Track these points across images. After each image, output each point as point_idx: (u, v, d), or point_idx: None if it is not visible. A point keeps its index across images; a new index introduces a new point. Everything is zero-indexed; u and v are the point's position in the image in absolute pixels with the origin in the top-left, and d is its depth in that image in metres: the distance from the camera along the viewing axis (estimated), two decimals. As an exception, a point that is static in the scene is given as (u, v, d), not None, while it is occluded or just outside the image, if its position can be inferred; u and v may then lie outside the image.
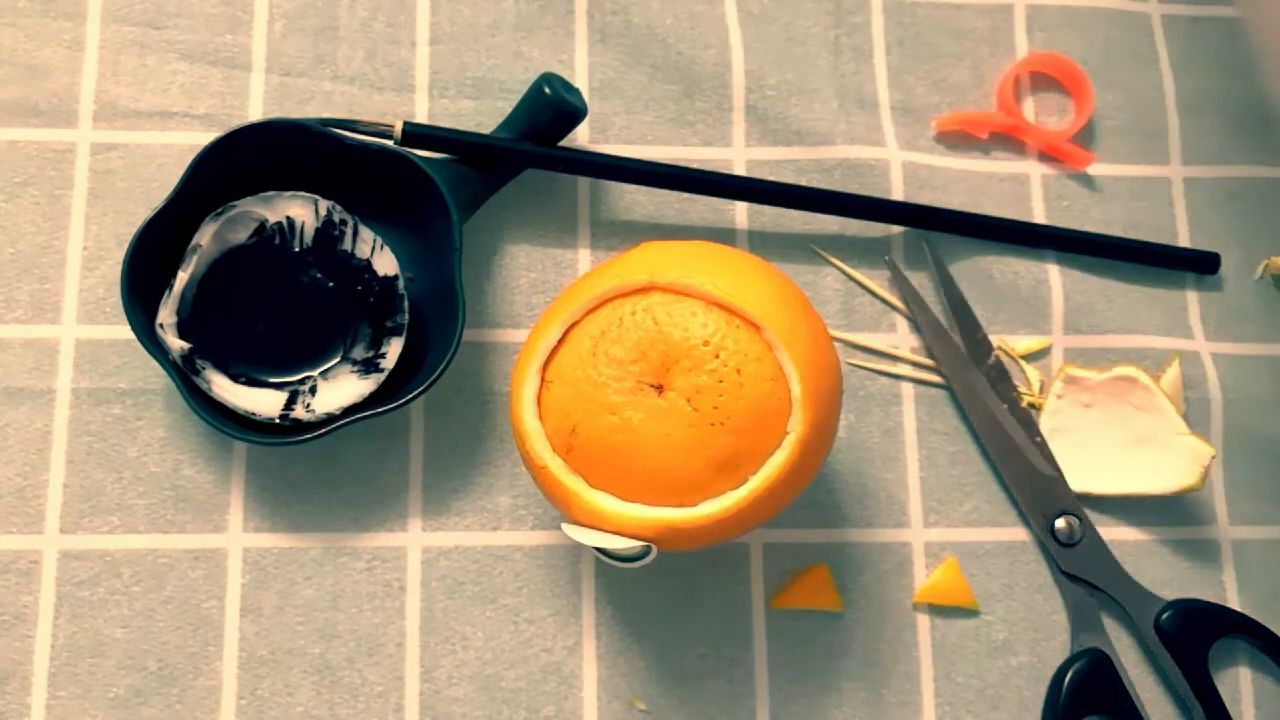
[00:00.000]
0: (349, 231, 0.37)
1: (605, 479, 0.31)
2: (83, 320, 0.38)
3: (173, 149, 0.40)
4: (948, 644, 0.39)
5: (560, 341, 0.31)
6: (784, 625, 0.38)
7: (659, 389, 0.30)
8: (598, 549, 0.31)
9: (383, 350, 0.36)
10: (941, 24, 0.44)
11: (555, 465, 0.31)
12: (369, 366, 0.36)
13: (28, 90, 0.40)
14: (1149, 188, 0.44)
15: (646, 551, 0.30)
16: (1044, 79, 0.45)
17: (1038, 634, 0.39)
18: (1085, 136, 0.44)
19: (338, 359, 0.37)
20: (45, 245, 0.39)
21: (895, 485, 0.40)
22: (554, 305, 0.33)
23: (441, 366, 0.35)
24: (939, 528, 0.39)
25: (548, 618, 0.37)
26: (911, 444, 0.40)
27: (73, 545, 0.37)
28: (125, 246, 0.36)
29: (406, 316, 0.36)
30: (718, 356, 0.30)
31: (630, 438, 0.30)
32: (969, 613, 0.39)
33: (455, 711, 0.37)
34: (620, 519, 0.30)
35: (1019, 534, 0.40)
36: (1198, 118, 0.44)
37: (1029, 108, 0.44)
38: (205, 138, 0.39)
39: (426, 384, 0.35)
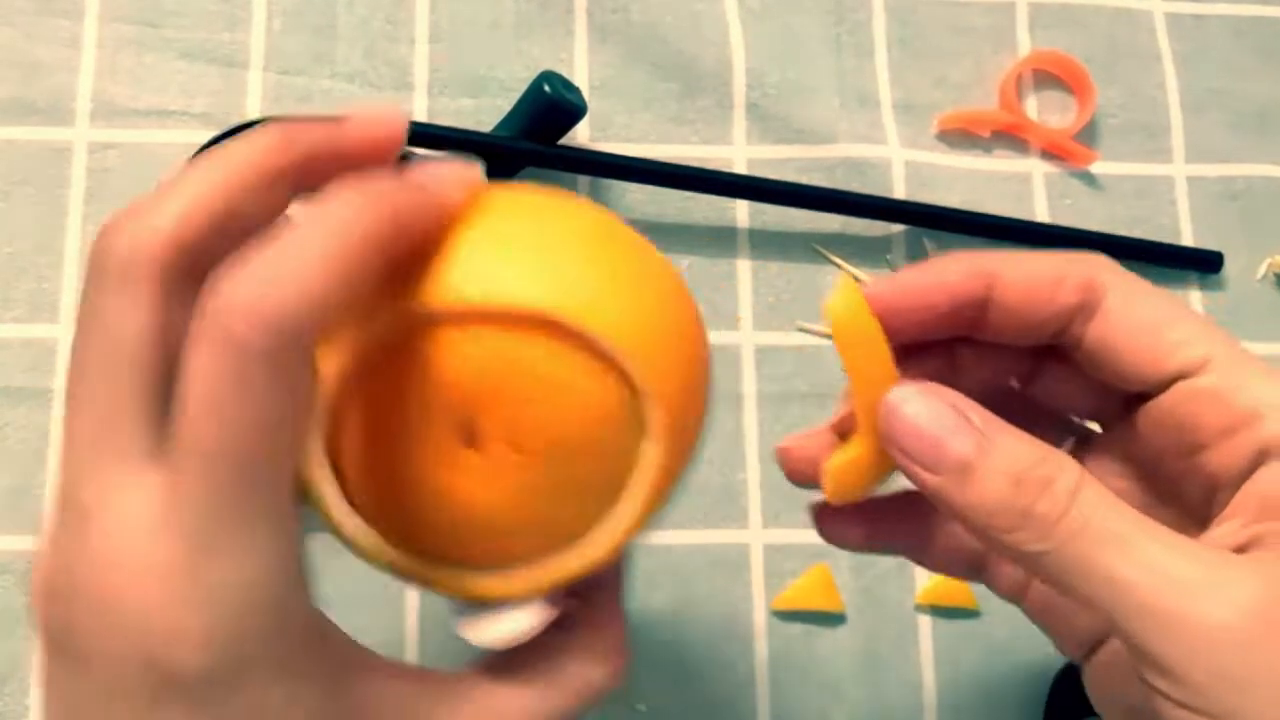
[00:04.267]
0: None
1: (468, 558, 0.23)
2: (81, 320, 0.38)
3: (171, 147, 0.40)
4: (949, 644, 0.38)
5: (337, 419, 0.22)
6: (785, 626, 0.38)
7: (474, 444, 0.22)
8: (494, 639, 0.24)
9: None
10: (943, 21, 0.44)
11: (402, 559, 0.23)
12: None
13: (25, 88, 0.40)
14: (1152, 186, 0.44)
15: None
16: (1046, 76, 0.44)
17: (1039, 634, 0.39)
18: (1088, 134, 0.44)
19: (336, 359, 0.36)
20: (43, 244, 0.39)
21: (895, 485, 0.39)
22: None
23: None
24: (940, 528, 0.39)
25: (548, 618, 0.37)
26: (913, 444, 0.40)
27: (71, 546, 0.36)
28: (123, 246, 0.36)
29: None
30: (531, 380, 0.21)
31: (471, 516, 0.22)
32: (970, 613, 0.39)
33: (455, 712, 0.36)
34: (511, 590, 0.23)
35: (1021, 534, 0.39)
36: (1201, 115, 0.44)
37: (1031, 105, 0.44)
38: (203, 136, 0.39)
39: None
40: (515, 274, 0.21)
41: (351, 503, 0.23)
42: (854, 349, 0.23)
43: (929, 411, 0.22)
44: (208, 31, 0.41)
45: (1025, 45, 0.44)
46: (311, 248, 0.18)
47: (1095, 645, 0.25)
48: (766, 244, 0.41)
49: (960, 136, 0.43)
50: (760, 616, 0.38)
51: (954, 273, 0.23)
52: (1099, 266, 0.23)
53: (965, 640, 0.38)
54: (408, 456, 0.22)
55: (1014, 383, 0.26)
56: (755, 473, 0.39)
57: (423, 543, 0.23)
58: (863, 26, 0.44)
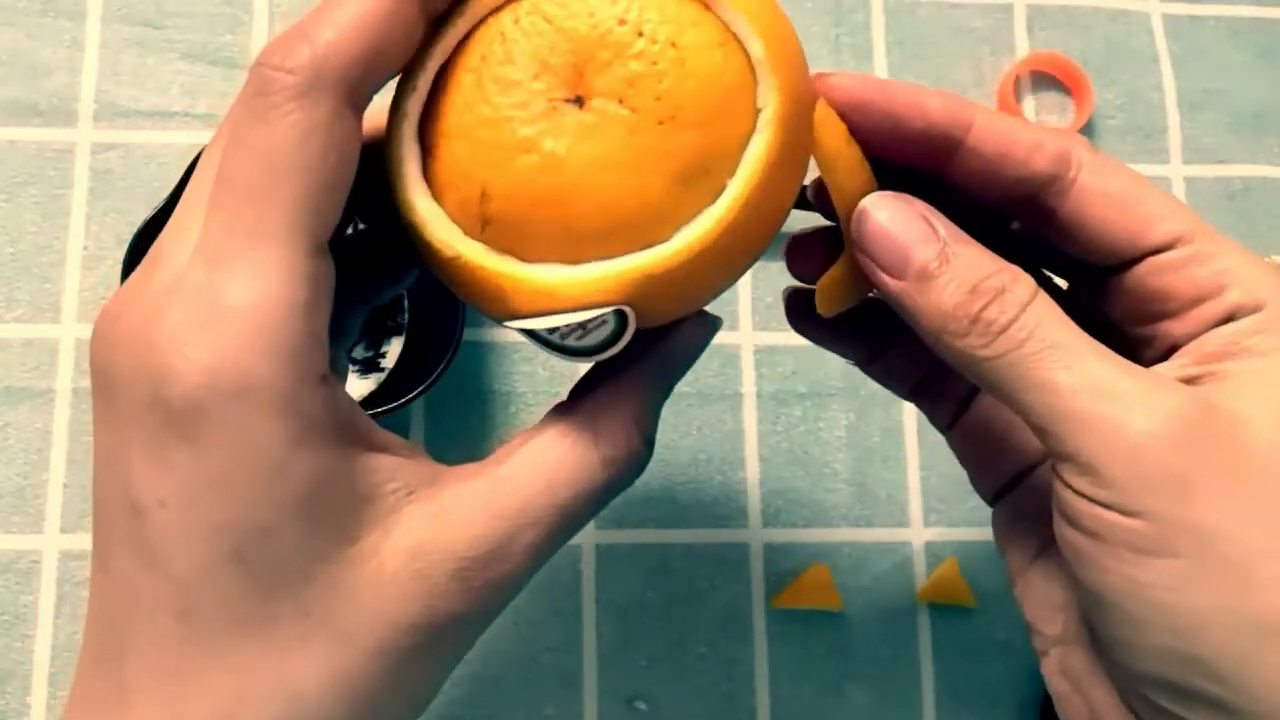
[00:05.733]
0: (349, 230, 0.37)
1: (543, 244, 0.22)
2: (83, 320, 0.38)
3: (173, 148, 0.40)
4: (948, 643, 0.38)
5: (433, 92, 0.22)
6: (784, 625, 0.38)
7: (578, 101, 0.21)
8: (556, 349, 0.23)
9: (383, 350, 0.36)
10: (942, 23, 0.44)
11: (471, 250, 0.22)
12: (369, 366, 0.36)
13: (28, 90, 0.40)
14: (1149, 187, 0.44)
15: (622, 326, 0.22)
16: (1044, 78, 0.45)
17: (1038, 633, 0.39)
18: (1085, 135, 0.44)
19: (338, 358, 0.37)
20: (45, 245, 0.39)
21: (895, 485, 0.40)
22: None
23: (441, 366, 0.35)
24: (939, 527, 0.39)
25: (548, 617, 0.37)
26: (912, 443, 0.40)
27: (73, 545, 0.36)
28: (125, 246, 0.36)
29: (406, 316, 0.36)
30: (641, 34, 0.21)
31: (560, 176, 0.21)
32: (969, 612, 0.39)
33: (455, 712, 0.36)
34: (579, 288, 0.22)
35: (1019, 533, 0.40)
36: (1198, 116, 0.44)
37: (1029, 107, 0.44)
38: (205, 137, 0.39)
39: (426, 384, 0.35)
40: None
41: (432, 190, 0.22)
42: (834, 164, 0.23)
43: (897, 218, 0.22)
44: (210, 33, 0.41)
45: (1023, 47, 0.45)
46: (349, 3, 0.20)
47: (1009, 486, 0.26)
48: (766, 244, 0.41)
49: (959, 137, 0.43)
50: (760, 615, 0.38)
51: (935, 104, 0.23)
52: (1076, 143, 0.23)
53: (964, 638, 0.39)
54: (506, 114, 0.21)
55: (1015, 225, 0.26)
56: (755, 472, 0.39)
57: (498, 231, 0.22)
58: (861, 28, 0.44)
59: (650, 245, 0.22)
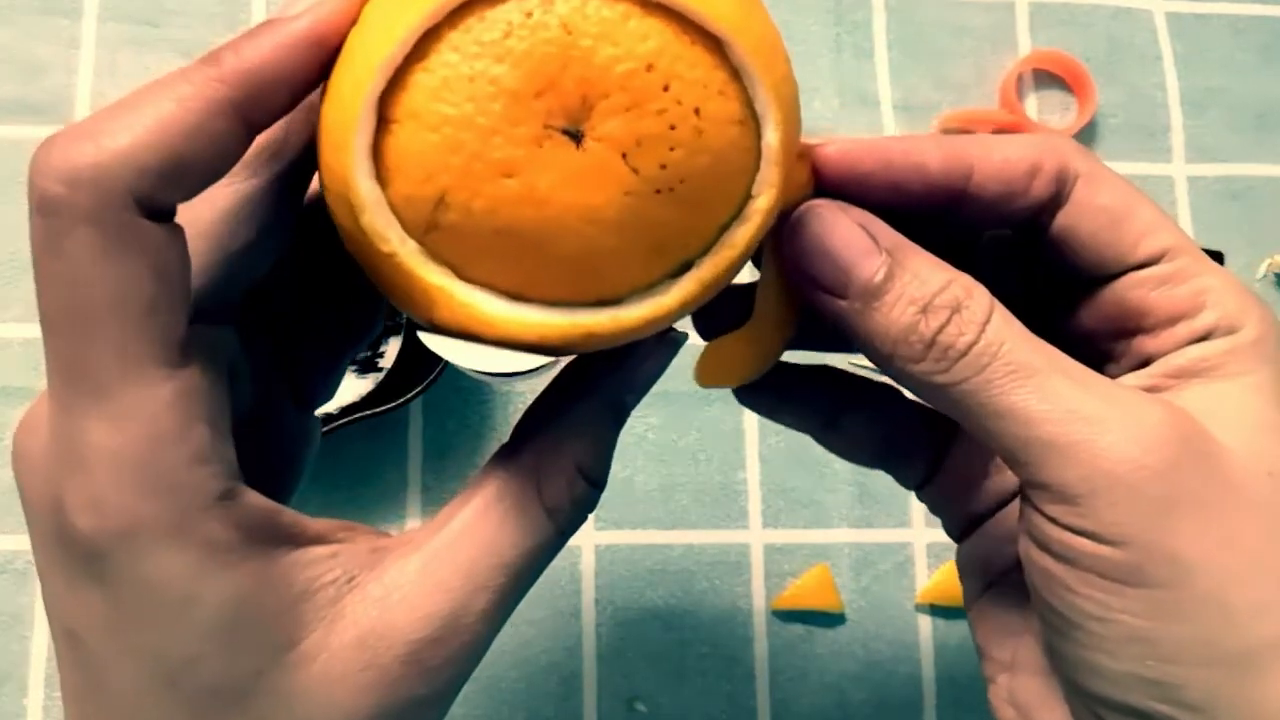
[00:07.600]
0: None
1: (490, 270, 0.20)
2: (80, 319, 0.38)
3: (170, 147, 0.40)
4: (949, 645, 0.38)
5: (410, 57, 0.19)
6: (785, 626, 0.38)
7: (576, 137, 0.19)
8: (475, 371, 0.21)
9: (381, 349, 0.36)
10: (943, 21, 0.44)
11: (408, 252, 0.20)
12: (367, 365, 0.36)
13: (25, 88, 0.40)
14: (1151, 185, 0.44)
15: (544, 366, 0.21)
16: (1046, 76, 0.44)
17: (1039, 634, 0.39)
18: (1088, 134, 0.44)
19: (336, 358, 0.37)
20: (43, 244, 0.39)
21: (896, 486, 0.39)
22: None
23: (441, 366, 0.35)
24: (940, 528, 0.39)
25: (548, 618, 0.37)
26: (913, 444, 0.40)
27: (71, 545, 0.36)
28: (123, 245, 0.36)
29: (405, 315, 0.36)
30: (667, 89, 0.19)
31: (537, 213, 0.19)
32: (970, 613, 0.39)
33: (455, 712, 0.36)
34: (513, 327, 0.20)
35: (1021, 534, 0.40)
36: (1201, 115, 0.44)
37: (1031, 105, 0.44)
38: (203, 136, 0.39)
39: (426, 383, 0.35)
40: None
41: (377, 169, 0.19)
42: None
43: (834, 229, 0.21)
44: (207, 31, 0.41)
45: (1025, 45, 0.44)
46: (146, 99, 0.17)
47: (974, 526, 0.26)
48: (766, 244, 0.41)
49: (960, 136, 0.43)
50: (760, 616, 0.38)
51: (933, 160, 0.22)
52: (1070, 154, 0.22)
53: (964, 640, 0.38)
54: (494, 125, 0.19)
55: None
56: (755, 473, 0.39)
57: (443, 240, 0.20)
58: (862, 26, 0.44)
59: (600, 300, 0.20)
